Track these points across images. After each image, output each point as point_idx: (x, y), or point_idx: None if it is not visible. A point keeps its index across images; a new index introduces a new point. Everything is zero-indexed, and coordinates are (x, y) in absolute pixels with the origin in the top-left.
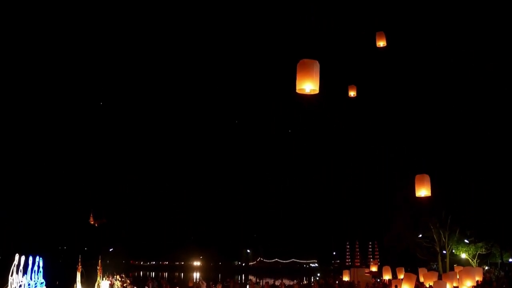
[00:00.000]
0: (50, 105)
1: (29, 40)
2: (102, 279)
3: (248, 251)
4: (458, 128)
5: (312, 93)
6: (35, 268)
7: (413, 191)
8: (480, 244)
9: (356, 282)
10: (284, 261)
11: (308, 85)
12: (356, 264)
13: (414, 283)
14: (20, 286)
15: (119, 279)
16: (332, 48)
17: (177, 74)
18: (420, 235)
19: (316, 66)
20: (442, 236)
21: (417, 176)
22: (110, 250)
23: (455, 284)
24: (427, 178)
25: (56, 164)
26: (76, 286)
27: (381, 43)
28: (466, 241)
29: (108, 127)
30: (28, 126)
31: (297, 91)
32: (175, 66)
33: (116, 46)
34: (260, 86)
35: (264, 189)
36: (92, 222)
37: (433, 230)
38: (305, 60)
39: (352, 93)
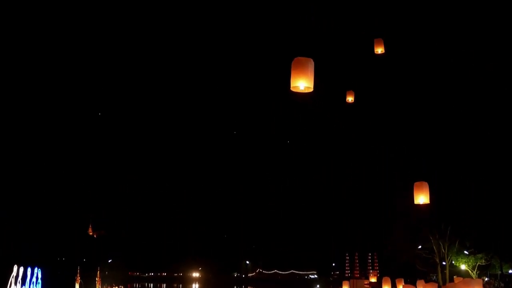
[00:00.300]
0: (49, 115)
1: (29, 42)
2: None
3: (247, 262)
4: (458, 131)
5: (306, 91)
6: (34, 279)
7: (412, 199)
8: (480, 255)
9: None
10: (283, 273)
11: (302, 83)
12: (356, 275)
13: None
14: None
15: None
16: (330, 53)
17: (173, 73)
18: (420, 246)
19: (311, 64)
20: (442, 247)
21: (416, 184)
22: (109, 261)
23: None
24: (425, 185)
25: (55, 175)
26: None
27: (379, 49)
28: (465, 252)
29: (108, 137)
30: (26, 136)
31: (291, 89)
32: (173, 65)
33: (115, 47)
34: (259, 87)
35: (264, 191)
36: (91, 233)
37: (432, 241)
38: (300, 58)
39: (350, 99)
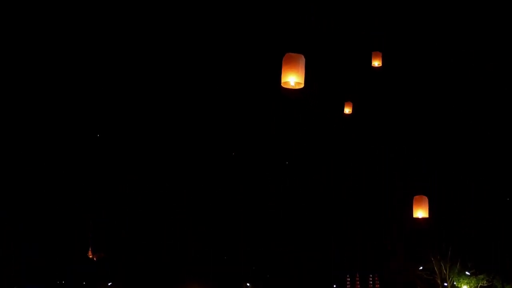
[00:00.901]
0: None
1: (29, 42)
2: None
3: (248, 284)
4: (458, 131)
5: (297, 86)
6: None
7: (411, 213)
8: (481, 276)
9: None
10: None
11: (292, 78)
12: None
13: None
14: None
15: None
16: (327, 56)
17: (173, 73)
18: (421, 268)
19: (302, 60)
20: (443, 268)
21: (415, 197)
22: (109, 284)
23: None
24: (425, 199)
25: (52, 195)
26: None
27: (376, 62)
28: (467, 273)
29: (107, 159)
30: (26, 136)
31: (282, 85)
32: (172, 65)
33: (114, 48)
34: (258, 87)
35: (265, 191)
36: (90, 256)
37: (433, 262)
38: (291, 54)
39: (347, 110)
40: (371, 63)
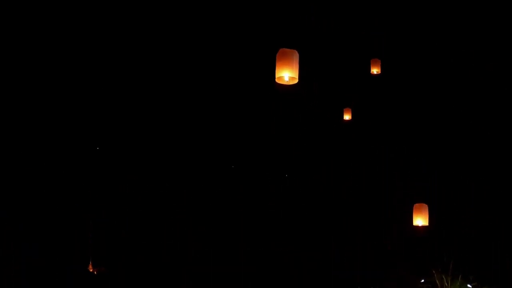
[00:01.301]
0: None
1: (29, 42)
2: None
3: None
4: (457, 131)
5: (291, 82)
6: None
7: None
8: None
9: None
10: None
11: (286, 73)
12: None
13: None
14: None
15: None
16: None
17: (173, 72)
18: (423, 280)
19: (296, 56)
20: (445, 281)
21: (415, 205)
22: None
23: None
24: (425, 207)
25: (52, 195)
26: None
27: (375, 70)
28: (469, 286)
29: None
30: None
31: (276, 80)
32: (173, 65)
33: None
34: (258, 88)
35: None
36: (91, 270)
37: (435, 275)
38: (284, 49)
39: (347, 117)
40: (370, 70)
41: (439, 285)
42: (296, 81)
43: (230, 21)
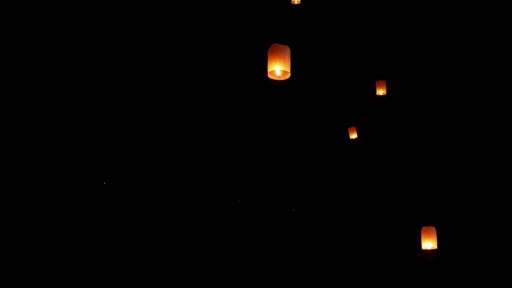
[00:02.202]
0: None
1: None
2: None
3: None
4: (457, 131)
5: (283, 77)
6: None
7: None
8: None
9: None
10: None
11: (278, 67)
12: None
13: None
14: None
15: None
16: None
17: (172, 71)
18: None
19: (288, 51)
20: None
21: (423, 228)
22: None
23: None
24: (433, 230)
25: (53, 195)
26: None
27: (381, 91)
28: None
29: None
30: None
31: (268, 75)
32: (173, 65)
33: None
34: (257, 87)
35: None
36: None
37: None
38: (276, 44)
39: (353, 136)
40: (375, 92)
41: None
42: (288, 75)
43: (229, 21)
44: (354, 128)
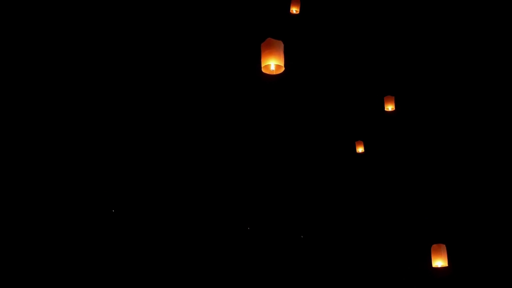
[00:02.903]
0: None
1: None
2: None
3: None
4: (456, 131)
5: (277, 71)
6: None
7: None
8: None
9: None
10: None
11: (272, 61)
12: None
13: None
14: None
15: None
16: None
17: (173, 71)
18: None
19: (281, 46)
20: None
21: (433, 246)
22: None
23: None
24: (443, 248)
25: (53, 195)
26: None
27: (390, 107)
28: None
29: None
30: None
31: (262, 70)
32: (174, 65)
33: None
34: (257, 87)
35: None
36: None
37: None
38: (270, 39)
39: (360, 149)
40: (384, 107)
41: None
42: (282, 69)
43: (230, 21)
44: (361, 142)
